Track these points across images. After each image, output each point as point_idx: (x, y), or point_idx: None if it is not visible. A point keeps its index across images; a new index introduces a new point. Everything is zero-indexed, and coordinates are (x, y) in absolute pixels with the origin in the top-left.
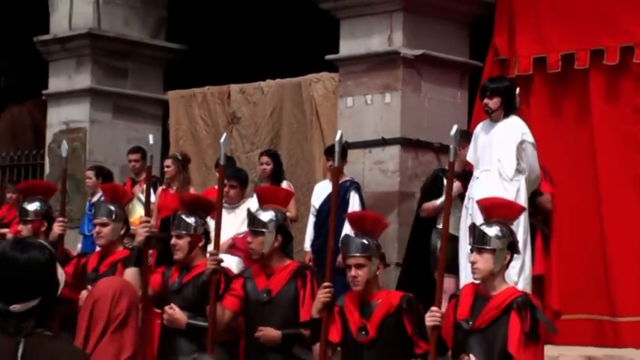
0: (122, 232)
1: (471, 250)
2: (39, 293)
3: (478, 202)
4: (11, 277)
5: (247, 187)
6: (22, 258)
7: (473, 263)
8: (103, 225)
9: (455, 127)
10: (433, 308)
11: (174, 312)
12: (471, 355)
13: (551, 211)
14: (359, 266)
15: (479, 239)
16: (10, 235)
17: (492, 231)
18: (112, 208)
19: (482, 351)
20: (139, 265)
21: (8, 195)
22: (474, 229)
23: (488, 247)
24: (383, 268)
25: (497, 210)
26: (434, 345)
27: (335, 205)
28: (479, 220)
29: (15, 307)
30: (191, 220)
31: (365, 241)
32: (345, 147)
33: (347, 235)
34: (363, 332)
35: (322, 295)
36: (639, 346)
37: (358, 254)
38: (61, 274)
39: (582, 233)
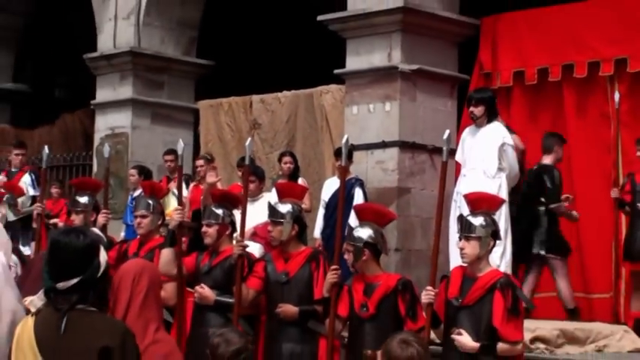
0: (159, 222)
1: (460, 238)
2: (78, 273)
3: (464, 196)
4: (55, 258)
5: (265, 181)
6: (62, 242)
7: (461, 249)
8: (143, 217)
9: (447, 132)
10: (428, 287)
11: (204, 290)
12: (461, 329)
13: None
14: (347, 251)
15: (466, 228)
16: (61, 224)
17: (478, 221)
18: (150, 202)
19: (471, 325)
20: (172, 245)
21: (54, 190)
22: (461, 219)
23: (474, 235)
24: (372, 256)
25: (481, 203)
26: (429, 319)
27: (342, 198)
28: (466, 211)
29: (60, 285)
30: (220, 212)
31: (351, 231)
32: (351, 149)
33: (348, 225)
34: (364, 308)
35: (330, 276)
36: (608, 320)
37: (347, 241)
38: (103, 257)
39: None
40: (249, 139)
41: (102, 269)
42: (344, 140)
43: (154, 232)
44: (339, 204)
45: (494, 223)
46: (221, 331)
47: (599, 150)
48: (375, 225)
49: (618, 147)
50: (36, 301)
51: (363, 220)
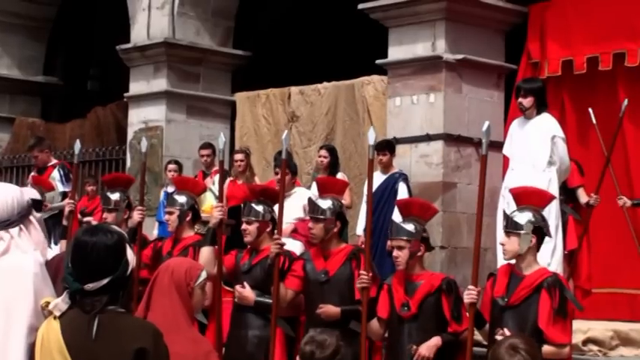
0: (187, 218)
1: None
2: (108, 273)
3: (510, 190)
4: (83, 259)
5: (297, 175)
6: (90, 242)
7: (502, 245)
8: (170, 213)
9: (486, 124)
10: (470, 287)
11: (244, 290)
12: (505, 329)
13: (585, 204)
14: (399, 248)
15: (507, 224)
16: (94, 222)
17: (520, 217)
18: (177, 198)
19: (516, 326)
20: (213, 244)
21: (89, 188)
22: (505, 215)
23: (514, 231)
24: (425, 251)
25: (527, 197)
26: (472, 319)
27: (370, 194)
28: (514, 207)
29: (88, 287)
30: (260, 208)
31: (404, 226)
32: (394, 142)
33: (391, 220)
34: (406, 308)
35: (359, 282)
36: None
37: (398, 237)
38: (130, 255)
39: (614, 217)
40: (286, 131)
41: (130, 267)
42: (369, 132)
43: (187, 229)
44: (367, 200)
45: (541, 220)
46: (310, 336)
47: None
48: (420, 220)
49: None
50: (61, 304)
51: (407, 215)
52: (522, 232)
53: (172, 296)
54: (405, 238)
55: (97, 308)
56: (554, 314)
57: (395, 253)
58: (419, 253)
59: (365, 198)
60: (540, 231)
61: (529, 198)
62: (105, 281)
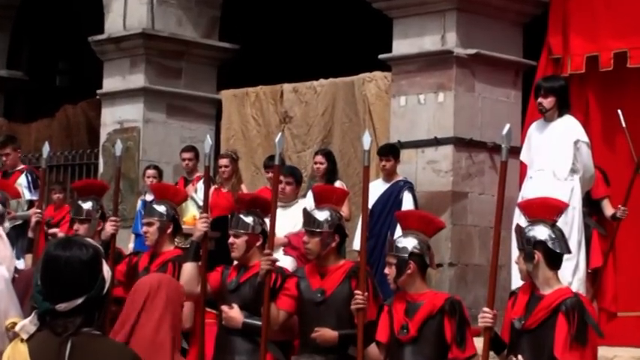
0: (168, 231)
1: None
2: (83, 291)
3: (518, 204)
4: (55, 276)
5: (301, 184)
6: (63, 257)
7: (517, 263)
8: (149, 225)
9: (507, 127)
10: (485, 309)
11: (231, 311)
12: (520, 357)
13: (611, 216)
14: (389, 265)
15: (518, 241)
16: (61, 234)
17: (528, 231)
18: (156, 207)
19: (532, 352)
20: (196, 259)
21: (55, 196)
22: (517, 229)
23: (519, 248)
24: (417, 269)
25: (536, 210)
26: (487, 345)
27: (366, 203)
28: None
29: (60, 307)
30: (249, 220)
31: (395, 241)
32: (398, 147)
33: (388, 235)
34: (405, 330)
35: (353, 303)
36: None
37: (388, 253)
38: (107, 271)
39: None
40: (280, 134)
41: (107, 285)
42: (364, 136)
43: (167, 242)
44: (363, 212)
45: (553, 233)
46: None
47: None
48: (420, 234)
49: None
50: (28, 326)
51: (406, 229)
52: (527, 249)
53: (165, 317)
54: (393, 254)
55: (69, 330)
56: (571, 341)
57: (385, 270)
58: (408, 271)
59: None
60: (543, 247)
61: (538, 210)
62: (79, 301)
